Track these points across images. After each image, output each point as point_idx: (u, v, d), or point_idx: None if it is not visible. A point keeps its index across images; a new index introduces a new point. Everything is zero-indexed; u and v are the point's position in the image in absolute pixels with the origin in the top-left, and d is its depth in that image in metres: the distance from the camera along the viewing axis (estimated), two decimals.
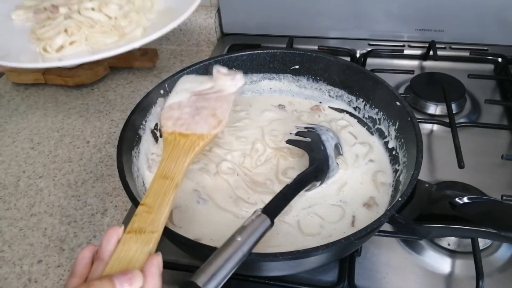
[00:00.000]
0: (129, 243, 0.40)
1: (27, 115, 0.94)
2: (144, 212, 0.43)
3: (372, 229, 0.47)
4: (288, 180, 0.62)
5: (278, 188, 0.62)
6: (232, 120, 0.74)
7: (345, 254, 0.58)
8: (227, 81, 0.58)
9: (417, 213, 0.50)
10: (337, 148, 0.65)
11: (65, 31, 0.58)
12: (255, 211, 0.48)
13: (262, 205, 0.59)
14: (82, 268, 0.41)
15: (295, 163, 0.65)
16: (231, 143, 0.69)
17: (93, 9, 0.59)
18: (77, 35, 0.58)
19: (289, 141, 0.65)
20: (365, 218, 0.57)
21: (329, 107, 0.75)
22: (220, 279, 0.41)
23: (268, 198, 0.59)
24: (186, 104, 0.57)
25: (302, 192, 0.61)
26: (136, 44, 0.55)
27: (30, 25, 0.62)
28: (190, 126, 0.53)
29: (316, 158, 0.62)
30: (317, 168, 0.61)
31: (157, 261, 0.40)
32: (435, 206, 0.52)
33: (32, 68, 0.55)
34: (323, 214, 0.58)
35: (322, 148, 0.62)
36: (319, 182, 0.61)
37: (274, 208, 0.51)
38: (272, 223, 0.48)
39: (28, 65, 0.55)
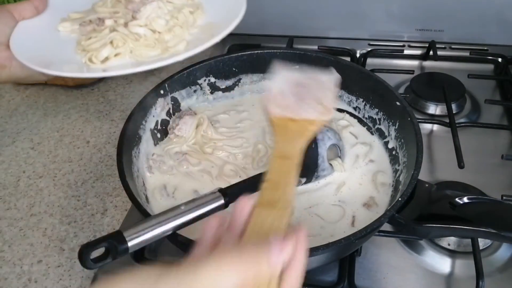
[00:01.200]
0: (263, 215, 0.39)
1: (27, 115, 0.94)
2: (269, 189, 0.42)
3: (372, 229, 0.47)
4: None
5: None
6: (234, 121, 0.74)
7: (345, 254, 0.58)
8: (322, 75, 0.60)
9: (417, 213, 0.50)
10: (335, 149, 0.65)
11: (111, 43, 0.59)
12: (214, 189, 0.50)
13: None
14: (210, 238, 0.39)
15: None
16: (233, 145, 0.69)
17: (141, 26, 0.61)
18: (122, 48, 0.59)
19: None
20: (365, 218, 0.57)
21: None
22: (147, 237, 0.42)
23: None
24: (289, 92, 0.58)
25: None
26: (180, 58, 0.56)
27: (76, 36, 0.63)
28: (298, 112, 0.54)
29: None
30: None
31: (304, 233, 0.36)
32: (435, 206, 0.52)
33: (77, 77, 0.56)
34: (323, 214, 0.58)
35: (313, 145, 0.62)
36: (304, 179, 0.61)
37: (233, 191, 0.52)
38: (226, 204, 0.50)
39: (72, 74, 0.57)
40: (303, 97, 0.56)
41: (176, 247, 0.56)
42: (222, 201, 0.49)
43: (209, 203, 0.49)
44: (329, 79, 0.59)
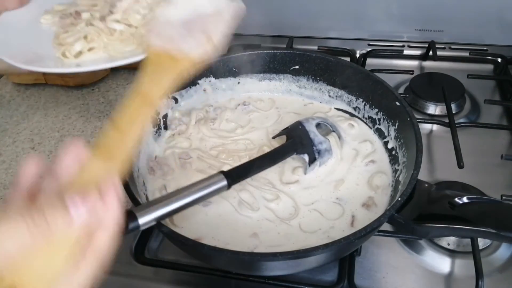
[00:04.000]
0: (93, 165, 0.36)
1: (28, 115, 0.95)
2: (114, 138, 0.39)
3: (371, 229, 0.47)
4: (296, 177, 0.63)
5: (283, 187, 0.62)
6: (235, 122, 0.74)
7: (345, 254, 0.58)
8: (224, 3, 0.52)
9: (416, 213, 0.50)
10: (326, 127, 0.68)
11: (85, 37, 0.59)
12: (217, 172, 0.52)
13: (264, 210, 0.59)
14: (26, 187, 0.34)
15: (302, 162, 0.65)
16: (237, 149, 0.69)
17: (118, 21, 0.61)
18: (95, 42, 0.59)
19: (274, 136, 0.69)
20: (364, 219, 0.57)
21: (335, 108, 0.75)
22: (156, 216, 0.45)
23: (272, 198, 0.60)
24: (179, 22, 0.50)
25: (301, 177, 0.63)
26: None
27: (55, 29, 0.64)
28: (178, 44, 0.48)
29: (292, 135, 0.65)
30: (293, 142, 0.64)
31: (113, 180, 0.35)
32: (435, 206, 0.52)
33: (51, 72, 0.56)
34: (323, 211, 0.59)
35: (300, 127, 0.65)
36: (306, 156, 0.63)
37: (235, 172, 0.54)
38: (229, 186, 0.52)
39: (45, 69, 0.57)
40: (191, 28, 0.49)
41: (176, 247, 0.56)
42: (225, 182, 0.51)
43: (212, 184, 0.51)
44: (228, 7, 0.51)
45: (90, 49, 0.59)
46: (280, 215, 0.58)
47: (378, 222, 0.48)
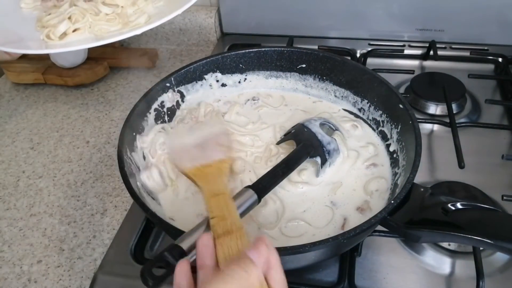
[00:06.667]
0: (226, 243, 0.41)
1: (27, 115, 0.94)
2: (219, 223, 0.44)
3: (361, 230, 0.47)
4: (300, 179, 0.62)
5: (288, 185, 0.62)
6: (244, 122, 0.73)
7: (336, 255, 0.58)
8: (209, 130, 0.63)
9: (409, 217, 0.50)
10: (328, 128, 0.67)
11: (69, 18, 0.59)
12: (243, 188, 0.51)
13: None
14: (186, 282, 0.38)
15: (307, 163, 0.64)
16: (244, 144, 0.68)
17: (104, 2, 0.61)
18: (80, 23, 0.59)
19: (278, 142, 0.67)
20: (357, 223, 0.56)
21: (343, 109, 0.75)
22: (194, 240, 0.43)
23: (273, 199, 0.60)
24: (190, 147, 0.60)
25: (314, 179, 0.63)
26: (139, 31, 0.57)
27: (37, 13, 0.63)
28: (207, 158, 0.57)
29: (301, 139, 0.64)
30: (304, 146, 0.63)
31: (265, 237, 0.38)
32: (427, 211, 0.51)
33: (35, 53, 0.56)
34: (311, 216, 0.58)
35: (305, 130, 0.65)
36: (318, 158, 0.62)
37: (262, 186, 0.53)
38: (259, 200, 0.51)
39: (31, 51, 0.56)
40: (204, 147, 0.60)
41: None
42: (256, 198, 0.50)
43: (246, 202, 0.50)
44: (217, 130, 0.64)
45: (75, 30, 0.58)
46: (261, 220, 0.58)
47: (368, 223, 0.47)
